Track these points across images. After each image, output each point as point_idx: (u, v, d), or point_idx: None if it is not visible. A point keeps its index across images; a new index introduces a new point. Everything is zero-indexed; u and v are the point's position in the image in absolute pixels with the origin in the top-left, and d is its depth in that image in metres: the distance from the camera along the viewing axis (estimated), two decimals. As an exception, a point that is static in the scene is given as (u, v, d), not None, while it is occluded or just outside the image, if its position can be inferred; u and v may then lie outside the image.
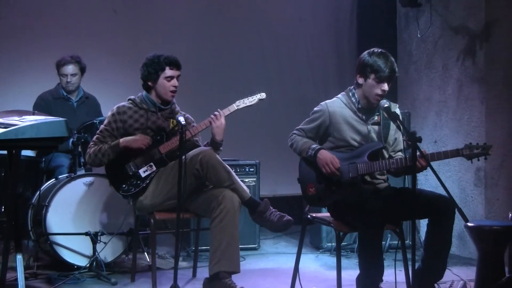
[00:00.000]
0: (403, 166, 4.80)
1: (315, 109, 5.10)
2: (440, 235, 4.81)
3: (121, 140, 5.37)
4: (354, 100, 5.02)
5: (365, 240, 4.73)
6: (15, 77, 7.54)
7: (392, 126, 5.02)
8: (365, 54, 4.99)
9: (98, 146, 5.38)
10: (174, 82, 5.44)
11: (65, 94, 6.79)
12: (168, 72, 5.41)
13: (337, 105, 5.04)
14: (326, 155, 4.88)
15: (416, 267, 4.55)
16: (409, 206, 4.61)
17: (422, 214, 4.88)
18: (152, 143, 5.39)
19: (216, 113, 5.35)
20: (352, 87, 5.07)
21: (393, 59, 4.94)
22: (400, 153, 5.13)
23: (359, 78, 4.98)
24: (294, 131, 5.12)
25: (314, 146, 4.95)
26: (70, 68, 6.72)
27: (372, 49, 5.00)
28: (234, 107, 5.42)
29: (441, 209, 4.74)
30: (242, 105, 5.43)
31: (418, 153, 4.44)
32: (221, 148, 5.40)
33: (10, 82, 7.53)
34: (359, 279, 4.84)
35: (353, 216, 4.78)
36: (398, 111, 5.02)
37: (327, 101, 5.10)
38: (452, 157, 4.83)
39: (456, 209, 4.43)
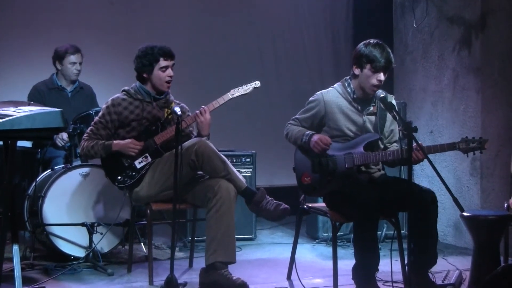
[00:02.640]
0: (399, 158, 4.81)
1: (311, 98, 5.12)
2: (422, 228, 4.77)
3: (114, 144, 5.37)
4: (349, 90, 5.04)
5: (360, 230, 4.75)
6: (11, 67, 7.54)
7: (388, 117, 5.04)
8: (361, 45, 5.01)
9: (92, 140, 5.39)
10: (169, 72, 5.44)
11: (60, 84, 6.78)
12: (163, 63, 5.41)
13: (333, 94, 5.06)
14: (316, 137, 4.90)
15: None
16: (401, 197, 4.61)
17: (407, 207, 4.85)
18: (147, 133, 5.40)
19: (201, 108, 5.35)
20: (348, 77, 5.09)
21: (389, 49, 4.96)
22: (395, 144, 5.14)
23: (355, 69, 5.00)
24: (290, 121, 5.14)
25: (308, 132, 4.97)
26: (78, 57, 6.72)
27: (368, 40, 5.02)
28: (228, 96, 5.42)
29: (420, 203, 4.73)
30: (236, 94, 5.43)
31: (414, 144, 4.45)
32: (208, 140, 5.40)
33: (6, 72, 7.53)
34: (354, 269, 4.86)
35: (349, 207, 4.79)
36: (394, 102, 5.03)
37: (322, 90, 5.12)
38: (449, 150, 4.85)
39: (452, 200, 4.42)
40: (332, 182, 4.93)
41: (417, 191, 4.80)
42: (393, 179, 5.13)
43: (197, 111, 5.35)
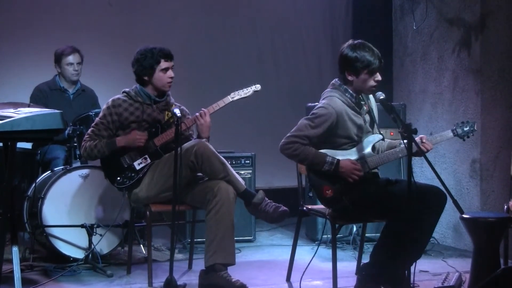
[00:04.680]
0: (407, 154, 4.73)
1: (319, 112, 4.86)
2: (427, 221, 4.76)
3: (118, 139, 5.37)
4: (349, 96, 4.92)
5: (398, 231, 4.64)
6: (12, 69, 7.56)
7: (375, 110, 5.03)
8: (346, 49, 4.87)
9: (94, 141, 5.38)
10: (170, 73, 5.44)
11: (62, 85, 6.79)
12: (164, 64, 5.40)
13: (339, 103, 4.88)
14: (347, 166, 4.78)
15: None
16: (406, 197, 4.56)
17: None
18: (147, 135, 5.39)
19: (201, 111, 5.35)
20: (339, 83, 4.96)
21: (373, 46, 4.88)
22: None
23: (348, 75, 4.88)
24: (296, 139, 4.82)
25: (329, 160, 4.80)
26: (75, 57, 6.73)
27: (350, 43, 4.90)
28: (228, 99, 5.42)
29: (433, 200, 4.73)
30: (237, 97, 5.43)
31: (417, 138, 4.59)
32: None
33: (8, 74, 7.54)
34: (368, 267, 4.85)
35: (383, 208, 4.76)
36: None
37: (327, 101, 4.90)
38: (449, 138, 4.94)
39: (452, 202, 4.42)
40: (355, 189, 4.82)
41: (429, 188, 4.81)
42: (397, 181, 5.08)
43: (197, 114, 5.35)
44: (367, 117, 5.04)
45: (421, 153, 4.63)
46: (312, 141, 4.87)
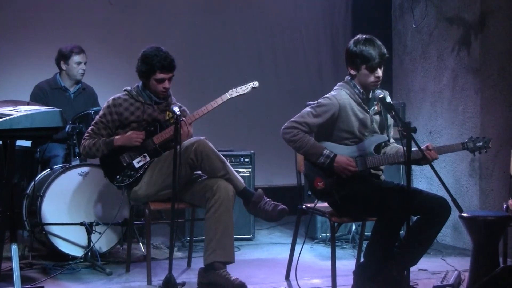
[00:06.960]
0: (413, 159, 4.73)
1: (322, 102, 4.90)
2: (428, 232, 4.79)
3: (115, 138, 5.36)
4: (357, 91, 4.93)
5: (386, 231, 4.70)
6: (13, 67, 7.56)
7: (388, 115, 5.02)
8: (351, 44, 4.92)
9: (92, 139, 5.38)
10: (165, 84, 5.39)
11: (63, 84, 6.77)
12: (159, 75, 5.34)
13: (345, 97, 4.90)
14: (342, 161, 4.78)
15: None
16: (408, 203, 4.56)
17: (418, 212, 4.85)
18: (146, 134, 5.38)
19: (181, 120, 5.29)
20: (349, 78, 4.99)
21: (379, 42, 4.89)
22: (392, 140, 5.12)
23: (351, 69, 4.93)
24: (296, 125, 4.85)
25: (326, 152, 4.80)
26: (83, 57, 6.73)
27: (357, 37, 4.93)
28: (227, 96, 5.41)
29: (437, 213, 4.75)
30: (235, 94, 5.43)
31: (423, 146, 4.59)
32: None
33: (8, 72, 7.54)
34: (362, 267, 4.86)
35: (373, 207, 4.76)
36: (388, 98, 4.99)
37: (332, 93, 4.95)
38: (457, 150, 4.87)
39: (451, 200, 4.43)
40: (346, 185, 4.84)
41: (436, 201, 4.80)
42: (399, 186, 5.08)
43: (182, 119, 5.26)
44: (377, 118, 5.02)
45: (426, 161, 4.66)
46: (313, 130, 4.90)
